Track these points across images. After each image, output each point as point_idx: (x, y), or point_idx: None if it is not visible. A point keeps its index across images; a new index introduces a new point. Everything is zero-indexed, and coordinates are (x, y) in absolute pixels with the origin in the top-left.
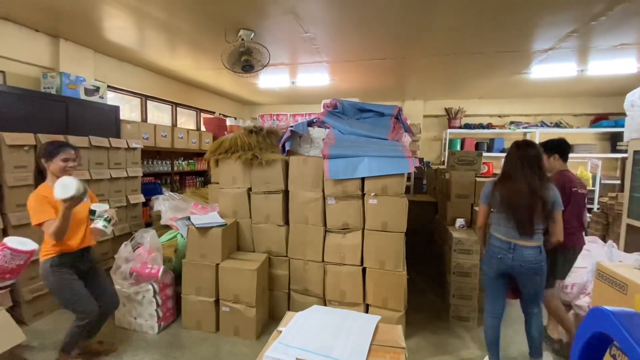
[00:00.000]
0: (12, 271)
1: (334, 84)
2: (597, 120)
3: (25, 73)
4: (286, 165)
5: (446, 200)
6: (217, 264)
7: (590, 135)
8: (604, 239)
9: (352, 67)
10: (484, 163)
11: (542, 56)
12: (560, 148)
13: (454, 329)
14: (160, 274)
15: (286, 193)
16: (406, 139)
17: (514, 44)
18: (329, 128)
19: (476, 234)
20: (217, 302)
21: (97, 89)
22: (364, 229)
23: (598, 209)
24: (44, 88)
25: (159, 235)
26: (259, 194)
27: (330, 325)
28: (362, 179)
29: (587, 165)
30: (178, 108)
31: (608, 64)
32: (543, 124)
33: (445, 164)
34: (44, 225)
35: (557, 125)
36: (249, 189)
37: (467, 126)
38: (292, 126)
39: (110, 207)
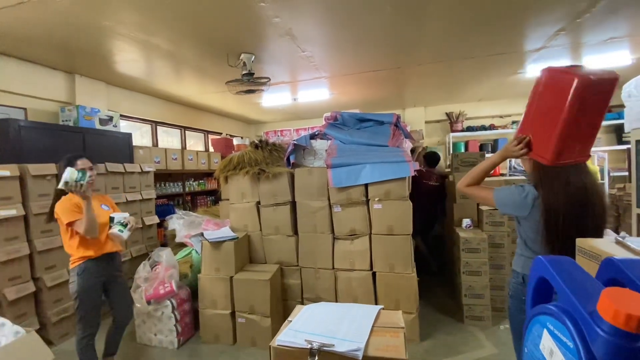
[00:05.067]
0: None
1: (334, 98)
2: None
3: (45, 108)
4: (292, 177)
5: (452, 201)
6: (231, 277)
7: None
8: (617, 231)
9: (351, 80)
10: None
11: (535, 55)
12: None
13: (468, 329)
14: (175, 287)
15: (293, 204)
16: (407, 145)
17: (504, 46)
18: (330, 139)
19: None
20: (233, 314)
21: (111, 119)
22: (370, 233)
23: (608, 201)
24: (63, 121)
25: (175, 254)
26: (267, 206)
27: (336, 314)
28: (366, 186)
29: (594, 159)
30: (187, 131)
31: (602, 58)
32: None
33: (450, 167)
34: (75, 224)
35: None
36: (258, 203)
37: (470, 129)
38: (295, 140)
39: (130, 215)
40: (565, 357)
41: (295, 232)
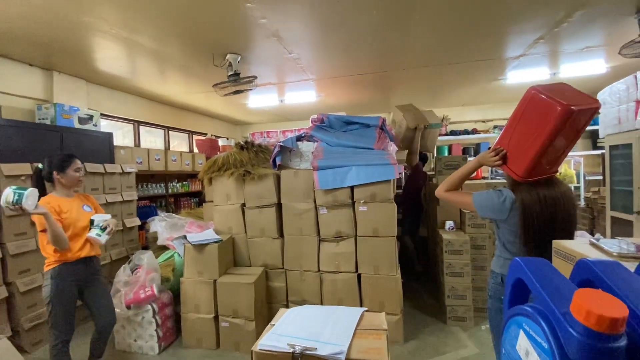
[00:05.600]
0: None
1: (321, 100)
2: None
3: (20, 106)
4: (278, 179)
5: (435, 204)
6: (215, 280)
7: None
8: (592, 233)
9: (338, 83)
10: None
11: (515, 62)
12: None
13: (451, 329)
14: (156, 291)
15: (279, 206)
16: (392, 148)
17: (486, 53)
18: (317, 141)
19: None
20: (216, 318)
21: (91, 118)
22: (356, 235)
23: (584, 204)
24: (39, 119)
25: (156, 257)
26: (253, 208)
27: (319, 317)
28: (352, 188)
29: (570, 163)
30: (170, 132)
31: (578, 66)
32: None
33: (434, 169)
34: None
35: None
36: (243, 205)
37: (453, 133)
38: (281, 141)
39: (110, 217)
40: (540, 358)
41: (281, 235)
